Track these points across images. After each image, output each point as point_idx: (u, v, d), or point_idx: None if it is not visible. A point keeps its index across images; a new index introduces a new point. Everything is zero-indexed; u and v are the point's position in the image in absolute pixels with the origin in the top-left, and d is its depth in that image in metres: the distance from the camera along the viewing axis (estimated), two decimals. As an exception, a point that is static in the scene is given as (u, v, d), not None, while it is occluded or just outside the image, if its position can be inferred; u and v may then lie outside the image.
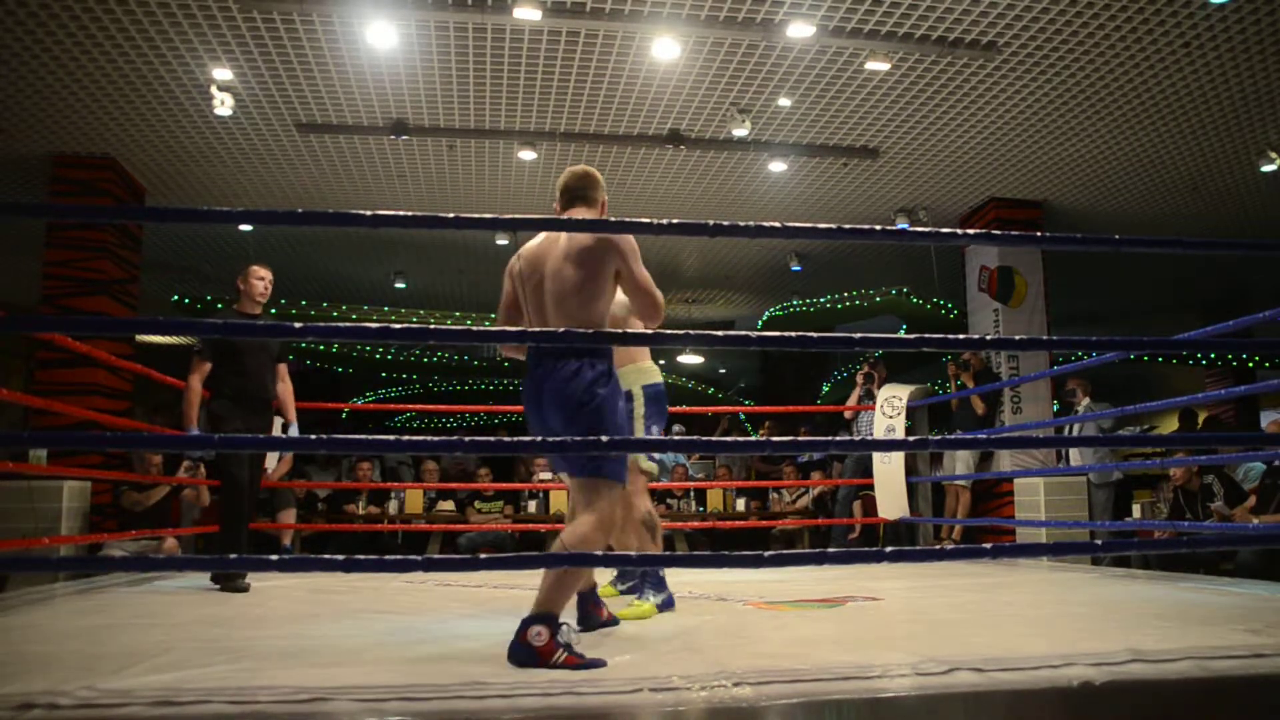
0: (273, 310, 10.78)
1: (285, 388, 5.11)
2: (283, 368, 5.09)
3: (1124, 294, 11.97)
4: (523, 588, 4.53)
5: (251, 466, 4.70)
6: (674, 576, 5.02)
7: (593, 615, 3.18)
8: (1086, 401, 7.94)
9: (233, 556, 4.29)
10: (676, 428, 11.86)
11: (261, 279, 4.89)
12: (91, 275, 7.37)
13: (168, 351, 12.18)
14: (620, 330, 2.98)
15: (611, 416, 2.72)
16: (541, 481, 8.42)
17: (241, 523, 4.56)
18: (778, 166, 7.83)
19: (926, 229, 7.25)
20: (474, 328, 3.24)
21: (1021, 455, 7.82)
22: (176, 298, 10.93)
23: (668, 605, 3.61)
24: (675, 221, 2.65)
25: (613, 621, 3.22)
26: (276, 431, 4.98)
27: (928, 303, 10.75)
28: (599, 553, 2.70)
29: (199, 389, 4.66)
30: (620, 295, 2.87)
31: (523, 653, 2.39)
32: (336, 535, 7.83)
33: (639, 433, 3.67)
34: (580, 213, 2.95)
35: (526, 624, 2.42)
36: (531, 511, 8.18)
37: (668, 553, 8.09)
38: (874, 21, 5.73)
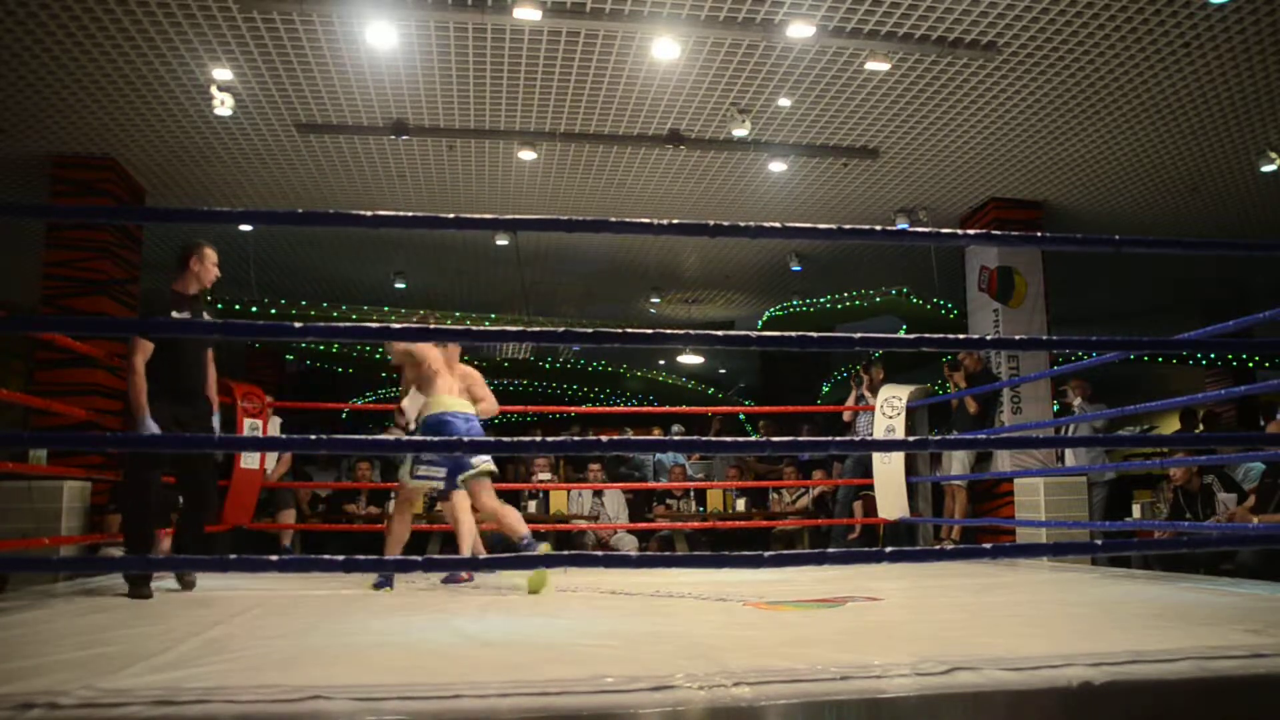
0: (273, 311, 10.80)
1: (211, 374, 4.67)
2: (209, 353, 4.68)
3: (1124, 294, 11.97)
4: (521, 587, 4.53)
5: (202, 469, 4.37)
6: (675, 576, 5.02)
7: None
8: (1079, 401, 7.94)
9: (233, 557, 4.25)
10: (676, 428, 11.87)
11: (215, 265, 4.53)
12: (91, 275, 7.37)
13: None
14: (621, 330, 2.98)
15: None
16: (541, 481, 8.42)
17: (148, 530, 4.23)
18: (778, 166, 7.83)
19: (926, 229, 7.27)
20: (474, 328, 3.24)
21: (1021, 455, 7.81)
22: (176, 298, 10.89)
23: None
24: (675, 222, 2.66)
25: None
26: (218, 426, 4.67)
27: (928, 303, 10.74)
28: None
29: (143, 372, 4.18)
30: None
31: None
32: (336, 535, 7.83)
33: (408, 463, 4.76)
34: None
35: None
36: (531, 511, 8.17)
37: (667, 553, 8.11)
38: (874, 21, 5.73)
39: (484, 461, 4.74)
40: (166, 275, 4.47)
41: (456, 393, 4.84)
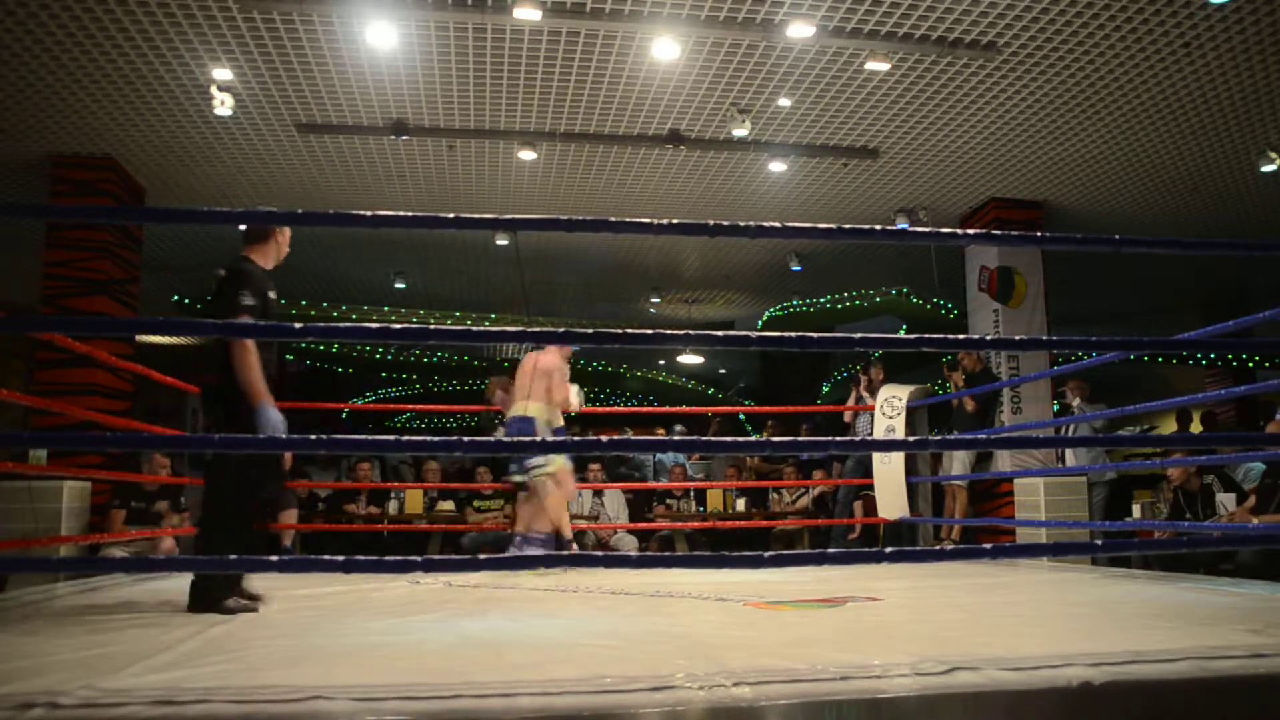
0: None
1: None
2: None
3: (1124, 294, 11.97)
4: (521, 587, 4.53)
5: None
6: (675, 576, 5.02)
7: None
8: (1078, 402, 7.94)
9: (233, 557, 4.20)
10: (678, 427, 11.88)
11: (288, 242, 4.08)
12: (91, 275, 7.37)
13: (168, 352, 12.18)
14: (621, 330, 2.99)
15: None
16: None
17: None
18: (778, 166, 7.83)
19: (926, 229, 7.26)
20: (474, 328, 3.24)
21: (1022, 455, 7.81)
22: (176, 298, 10.93)
23: None
24: (675, 221, 2.66)
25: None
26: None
27: (928, 303, 10.75)
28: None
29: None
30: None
31: None
32: (336, 536, 7.82)
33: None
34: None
35: None
36: (531, 511, 8.17)
37: (667, 553, 8.10)
38: (874, 21, 5.73)
39: (538, 467, 5.15)
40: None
41: (523, 400, 5.46)
